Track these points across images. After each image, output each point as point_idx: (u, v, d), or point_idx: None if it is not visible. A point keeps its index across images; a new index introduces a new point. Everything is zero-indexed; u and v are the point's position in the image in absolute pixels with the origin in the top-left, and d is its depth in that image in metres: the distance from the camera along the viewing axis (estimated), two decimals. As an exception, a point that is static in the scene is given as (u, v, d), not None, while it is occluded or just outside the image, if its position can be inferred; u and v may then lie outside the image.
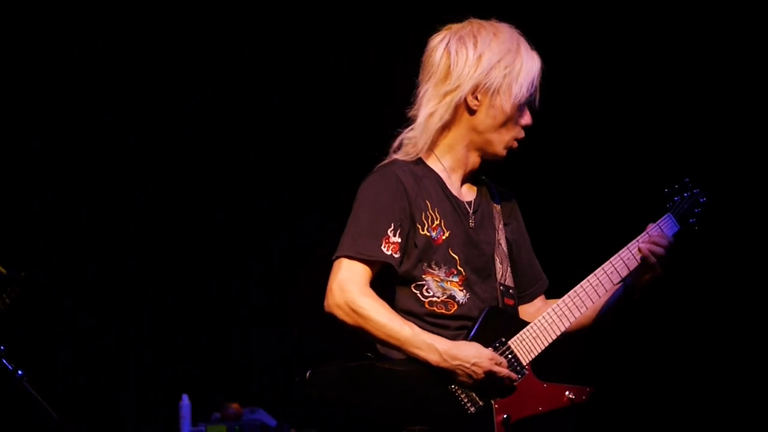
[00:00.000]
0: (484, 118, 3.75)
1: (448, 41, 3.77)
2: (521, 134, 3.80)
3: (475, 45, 3.75)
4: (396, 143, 3.81)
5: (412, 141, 3.78)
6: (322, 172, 6.77)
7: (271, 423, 6.09)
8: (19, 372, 4.58)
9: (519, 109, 3.76)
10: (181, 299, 6.68)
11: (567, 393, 3.74)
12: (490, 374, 3.64)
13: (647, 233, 3.80)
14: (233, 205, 6.80)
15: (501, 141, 3.78)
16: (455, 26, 3.81)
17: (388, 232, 3.68)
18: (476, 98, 3.74)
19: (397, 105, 3.90)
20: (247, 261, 6.75)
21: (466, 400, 3.67)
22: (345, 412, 3.65)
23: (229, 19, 6.60)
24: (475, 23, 3.80)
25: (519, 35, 3.79)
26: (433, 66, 3.78)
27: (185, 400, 6.11)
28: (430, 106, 3.75)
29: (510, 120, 3.76)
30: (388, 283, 3.74)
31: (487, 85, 3.72)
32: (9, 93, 6.46)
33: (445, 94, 3.74)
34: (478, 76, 3.72)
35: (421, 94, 3.79)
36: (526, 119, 3.79)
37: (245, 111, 6.75)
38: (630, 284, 3.83)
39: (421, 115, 3.77)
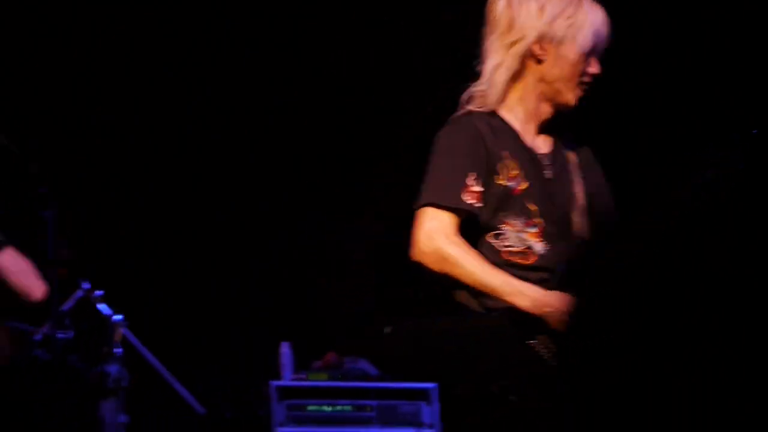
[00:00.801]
0: (551, 67, 3.84)
1: None
2: (589, 80, 3.88)
3: None
4: (465, 96, 3.88)
5: (481, 94, 3.85)
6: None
7: (372, 372, 6.04)
8: (119, 317, 4.50)
9: (585, 58, 3.85)
10: (287, 247, 6.69)
11: None
12: None
13: None
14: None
15: (570, 89, 3.85)
16: None
17: (469, 181, 3.74)
18: (542, 48, 3.81)
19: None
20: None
21: (547, 353, 3.72)
22: (424, 368, 3.74)
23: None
24: None
25: None
26: (495, 19, 3.86)
27: (286, 348, 6.05)
28: (497, 57, 3.84)
29: (577, 69, 3.84)
30: (467, 232, 3.78)
31: (551, 34, 3.81)
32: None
33: (511, 45, 3.83)
34: (542, 26, 3.81)
35: (486, 48, 3.86)
36: (594, 68, 3.88)
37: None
38: None
39: (487, 67, 3.85)
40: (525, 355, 3.70)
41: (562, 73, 3.84)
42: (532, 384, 3.68)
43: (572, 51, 3.83)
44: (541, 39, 3.81)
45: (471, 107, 3.86)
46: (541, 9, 3.82)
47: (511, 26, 3.83)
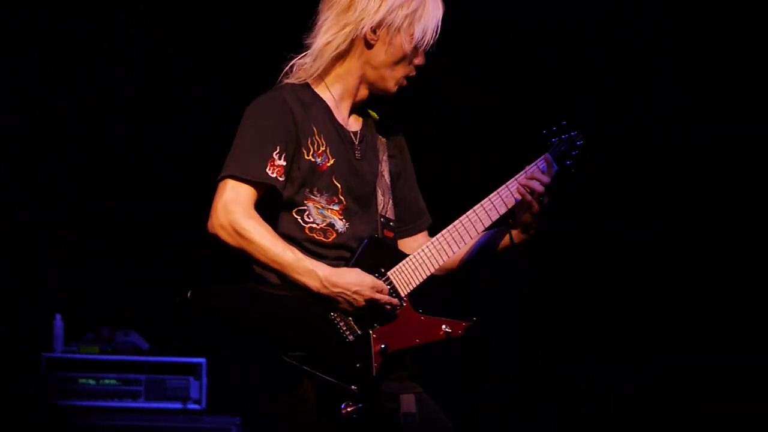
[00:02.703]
0: (379, 53, 3.81)
1: None
2: (413, 72, 3.87)
3: None
4: (287, 67, 3.84)
5: (303, 67, 3.82)
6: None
7: (143, 346, 6.02)
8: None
9: (416, 49, 3.84)
10: (63, 219, 6.60)
11: (443, 327, 3.77)
12: (371, 302, 3.67)
13: (525, 172, 3.88)
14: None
15: (393, 77, 3.84)
16: None
17: (274, 154, 3.69)
18: (375, 34, 3.79)
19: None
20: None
21: (345, 329, 3.68)
22: (223, 333, 3.66)
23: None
24: None
25: None
26: None
27: (58, 320, 5.97)
28: (329, 35, 3.78)
29: (405, 59, 3.82)
30: (271, 206, 3.74)
31: (389, 22, 3.77)
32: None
33: (345, 25, 3.77)
34: (383, 13, 3.76)
35: (320, 22, 3.81)
36: (420, 59, 3.85)
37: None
38: (509, 223, 3.90)
39: (317, 42, 3.79)
40: (323, 327, 3.65)
41: (389, 60, 3.81)
42: (328, 356, 3.64)
43: (407, 41, 3.80)
44: (377, 25, 3.79)
45: (288, 80, 3.83)
46: None
47: (350, 7, 3.77)
